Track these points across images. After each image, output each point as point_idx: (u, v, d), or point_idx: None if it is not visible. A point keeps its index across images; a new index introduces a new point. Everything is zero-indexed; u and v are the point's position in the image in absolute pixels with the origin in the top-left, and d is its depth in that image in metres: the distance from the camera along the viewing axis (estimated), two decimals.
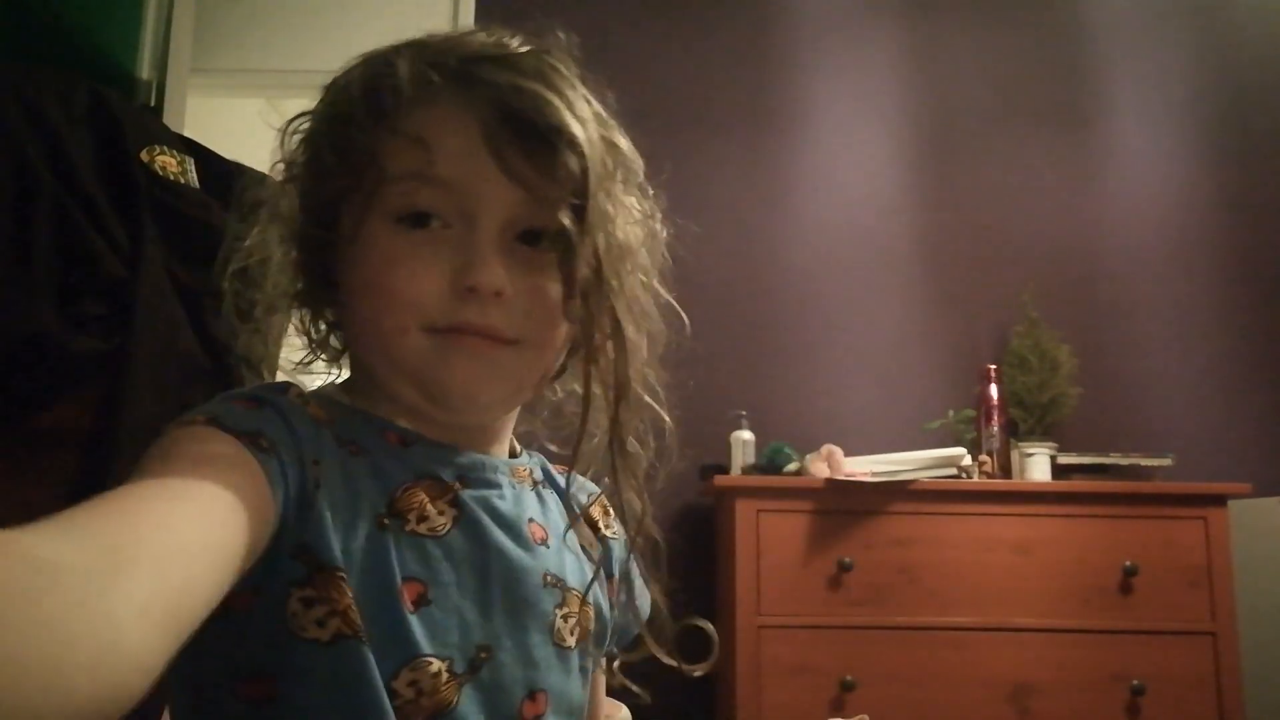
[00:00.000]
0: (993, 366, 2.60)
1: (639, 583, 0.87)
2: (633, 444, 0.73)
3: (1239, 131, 2.99)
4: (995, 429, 2.52)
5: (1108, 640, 2.26)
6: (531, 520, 0.73)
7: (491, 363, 0.67)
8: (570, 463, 0.72)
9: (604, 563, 0.82)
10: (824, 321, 2.88)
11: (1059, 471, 2.47)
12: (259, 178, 0.89)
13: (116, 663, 0.37)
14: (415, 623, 0.63)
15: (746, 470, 2.52)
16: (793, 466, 2.45)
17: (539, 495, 0.77)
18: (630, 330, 0.70)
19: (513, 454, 0.78)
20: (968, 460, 2.42)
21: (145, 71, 2.39)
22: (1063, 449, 2.52)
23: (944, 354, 2.85)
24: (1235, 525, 2.33)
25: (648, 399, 0.76)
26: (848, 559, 2.27)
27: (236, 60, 3.11)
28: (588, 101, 0.71)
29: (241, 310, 0.75)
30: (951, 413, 2.65)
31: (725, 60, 3.02)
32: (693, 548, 2.72)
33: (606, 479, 0.73)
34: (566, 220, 0.65)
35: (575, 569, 0.76)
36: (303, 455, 0.60)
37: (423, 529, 0.66)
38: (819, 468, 2.38)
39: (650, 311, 0.77)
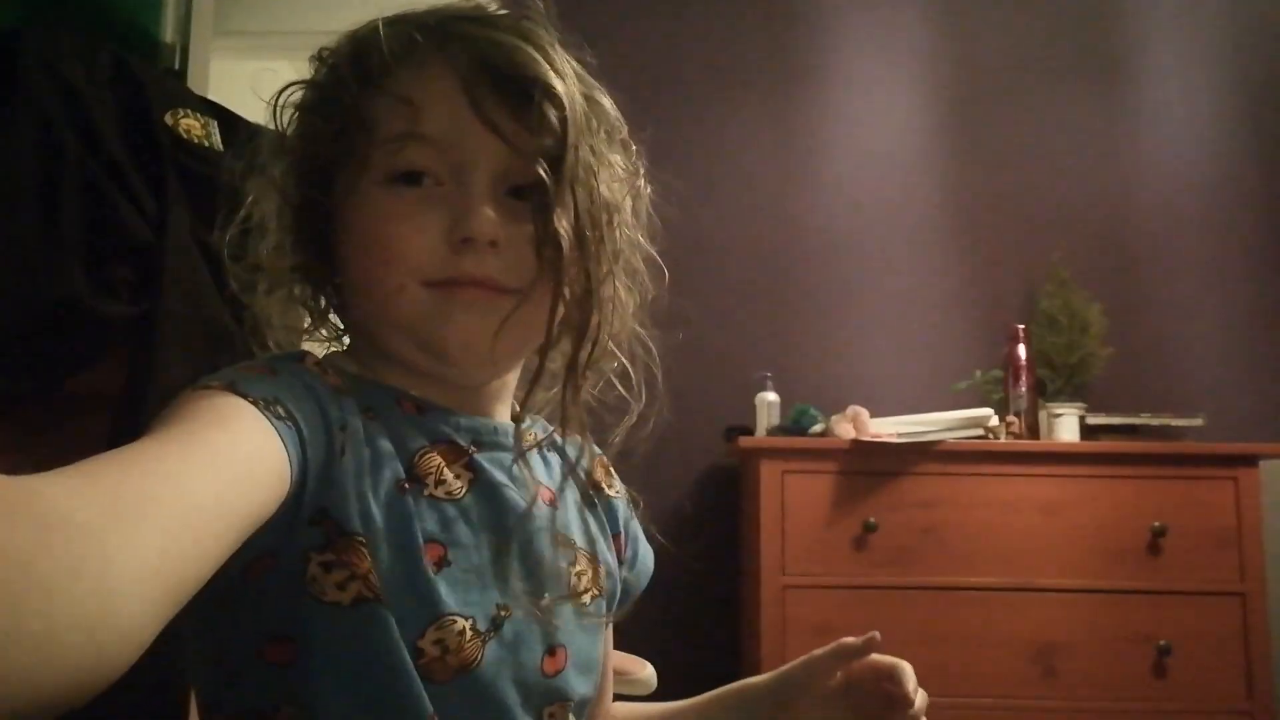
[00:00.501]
0: (1021, 326, 2.57)
1: (643, 541, 0.87)
2: (588, 394, 0.72)
3: (1275, 86, 2.93)
4: (1023, 389, 2.51)
5: (1135, 600, 2.26)
6: (539, 482, 0.74)
7: (490, 313, 0.67)
8: (523, 402, 0.73)
9: (610, 521, 0.83)
10: (850, 282, 2.86)
11: (1088, 432, 2.45)
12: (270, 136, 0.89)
13: (110, 632, 0.37)
14: (439, 582, 0.64)
15: (771, 431, 2.52)
16: (818, 428, 2.45)
17: (544, 458, 0.78)
18: (613, 286, 0.71)
19: (515, 418, 0.78)
20: (995, 421, 2.41)
21: (168, 35, 2.39)
22: (1092, 409, 2.50)
23: (971, 314, 2.83)
24: (1266, 486, 2.31)
25: (633, 353, 0.75)
26: (873, 520, 2.27)
27: (261, 22, 3.10)
28: (567, 61, 0.73)
29: (244, 283, 0.76)
30: (979, 373, 2.64)
31: (750, 19, 2.98)
32: (718, 509, 2.73)
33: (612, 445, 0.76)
34: (543, 171, 0.66)
35: (581, 528, 0.78)
36: (328, 422, 0.61)
37: (440, 492, 0.67)
38: (844, 429, 2.38)
39: (637, 267, 0.76)
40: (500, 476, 0.71)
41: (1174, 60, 2.95)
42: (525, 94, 0.67)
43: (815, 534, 2.28)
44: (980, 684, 2.23)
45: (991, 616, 2.25)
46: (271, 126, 0.75)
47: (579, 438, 0.74)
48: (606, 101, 0.76)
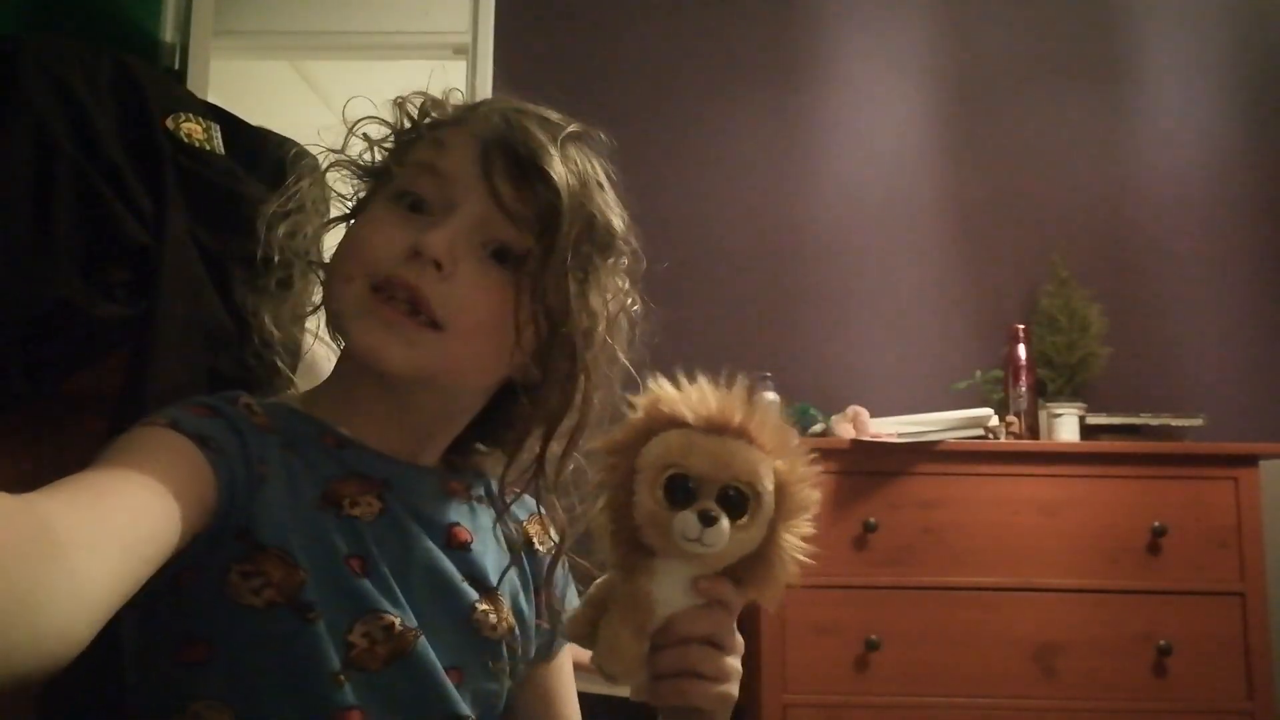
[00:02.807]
0: (1021, 326, 2.57)
1: (570, 595, 0.93)
2: (559, 471, 0.79)
3: (1275, 86, 2.93)
4: (1023, 389, 2.51)
5: (1135, 600, 2.26)
6: (457, 524, 0.81)
7: (403, 340, 0.73)
8: (504, 474, 0.82)
9: (532, 574, 0.89)
10: (850, 281, 2.86)
11: (1088, 432, 2.45)
12: (279, 141, 0.89)
13: (62, 642, 0.46)
14: (367, 585, 0.72)
15: None
16: (818, 428, 2.45)
17: (471, 507, 0.84)
18: (580, 373, 0.78)
19: (455, 469, 0.86)
20: (995, 421, 2.41)
21: (168, 34, 2.39)
22: (1092, 409, 2.50)
23: (971, 314, 2.83)
24: (1266, 486, 2.31)
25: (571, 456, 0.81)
26: (873, 520, 2.27)
27: (260, 22, 3.10)
28: (597, 182, 0.81)
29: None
30: (979, 373, 2.64)
31: (750, 20, 2.98)
32: None
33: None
34: (530, 241, 0.75)
35: (498, 576, 0.83)
36: (249, 456, 0.70)
37: (356, 512, 0.75)
38: (844, 429, 2.38)
39: (606, 377, 0.82)
40: (407, 512, 0.78)
41: (1174, 60, 2.95)
42: (528, 173, 0.76)
43: (815, 534, 2.28)
44: (980, 684, 2.23)
45: (992, 616, 2.25)
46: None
47: (526, 496, 0.83)
48: (618, 222, 0.82)
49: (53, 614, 0.45)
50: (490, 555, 0.83)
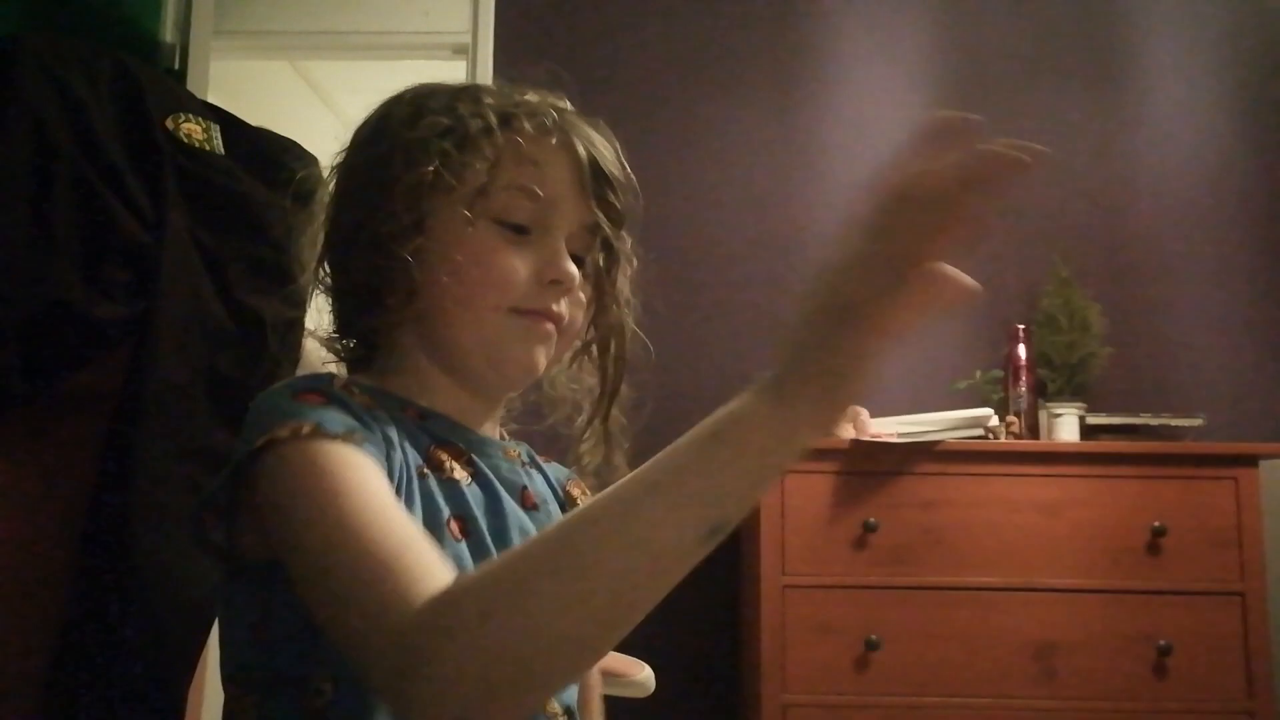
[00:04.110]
0: (1021, 326, 2.57)
1: None
2: (618, 425, 0.91)
3: (1274, 88, 2.93)
4: (1023, 389, 2.51)
5: (1135, 600, 2.25)
6: (526, 487, 0.88)
7: (550, 345, 0.84)
8: (582, 430, 0.92)
9: None
10: None
11: (1088, 432, 2.45)
12: (285, 145, 0.89)
13: None
14: (464, 549, 0.77)
15: None
16: None
17: (527, 472, 0.91)
18: (628, 346, 0.90)
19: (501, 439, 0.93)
20: (995, 421, 2.41)
21: (168, 34, 2.40)
22: (1092, 409, 2.50)
23: (972, 314, 2.83)
24: (1266, 485, 2.31)
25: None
26: (873, 519, 2.27)
27: (260, 22, 3.10)
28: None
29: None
30: (979, 373, 2.64)
31: (751, 20, 2.98)
32: None
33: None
34: (620, 245, 0.87)
35: None
36: (375, 435, 0.74)
37: (456, 475, 0.81)
38: (844, 429, 2.37)
39: (632, 333, 0.93)
40: (493, 477, 0.84)
41: (1174, 60, 2.95)
42: (612, 187, 0.86)
43: (815, 534, 2.28)
44: (980, 684, 2.23)
45: (992, 616, 2.25)
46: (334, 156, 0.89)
47: (558, 463, 0.94)
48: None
49: None
50: (552, 516, 0.89)
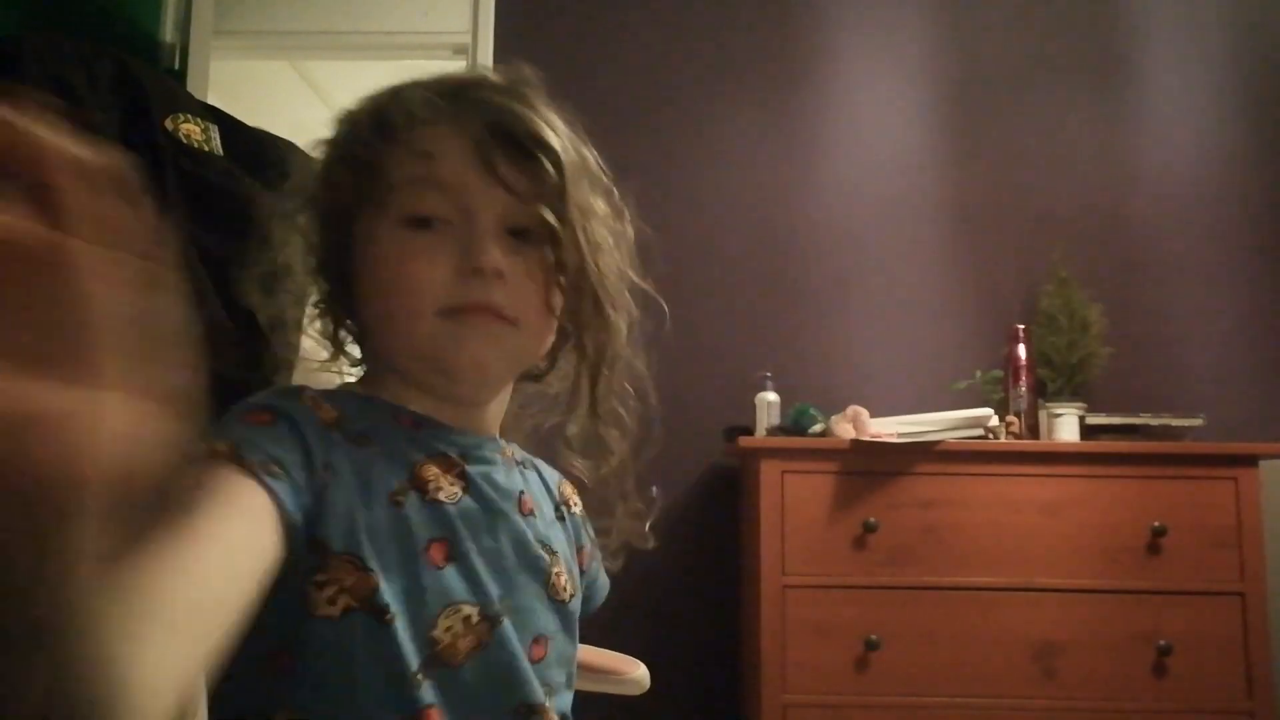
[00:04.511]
0: (1021, 326, 2.57)
1: (600, 562, 0.97)
2: (612, 409, 0.84)
3: (1275, 87, 2.93)
4: (1023, 389, 2.51)
5: (1135, 600, 2.26)
6: (522, 493, 0.84)
7: (497, 338, 0.77)
8: (565, 430, 0.86)
9: (575, 535, 0.92)
10: (850, 282, 2.86)
11: (1088, 432, 2.45)
12: (281, 144, 0.89)
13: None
14: (449, 574, 0.73)
15: (771, 431, 2.52)
16: (818, 428, 2.45)
17: (521, 472, 0.87)
18: (609, 312, 0.82)
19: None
20: (995, 421, 2.41)
21: (168, 34, 2.40)
22: (1092, 409, 2.50)
23: (971, 314, 2.83)
24: (1266, 485, 2.31)
25: (627, 378, 0.86)
26: (873, 519, 2.27)
27: (260, 22, 3.10)
28: (562, 121, 0.82)
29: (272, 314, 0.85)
30: (979, 373, 2.64)
31: (750, 19, 2.98)
32: (718, 509, 2.73)
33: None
34: (550, 216, 0.76)
35: (559, 538, 0.87)
36: (312, 464, 0.70)
37: (441, 496, 0.76)
38: (844, 429, 2.38)
39: (626, 300, 0.85)
40: (486, 486, 0.80)
41: (1174, 60, 2.95)
42: (527, 151, 0.77)
43: (815, 534, 2.28)
44: (980, 684, 2.23)
45: (992, 616, 2.25)
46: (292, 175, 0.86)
47: (551, 460, 0.87)
48: (590, 155, 0.85)
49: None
50: (548, 520, 0.86)
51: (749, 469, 2.46)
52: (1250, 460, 2.30)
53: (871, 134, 2.93)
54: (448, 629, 0.72)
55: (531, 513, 0.83)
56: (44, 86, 0.78)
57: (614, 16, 2.97)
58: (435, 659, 0.71)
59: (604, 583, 0.98)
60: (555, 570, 0.82)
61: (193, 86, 2.39)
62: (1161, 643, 2.22)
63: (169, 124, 0.87)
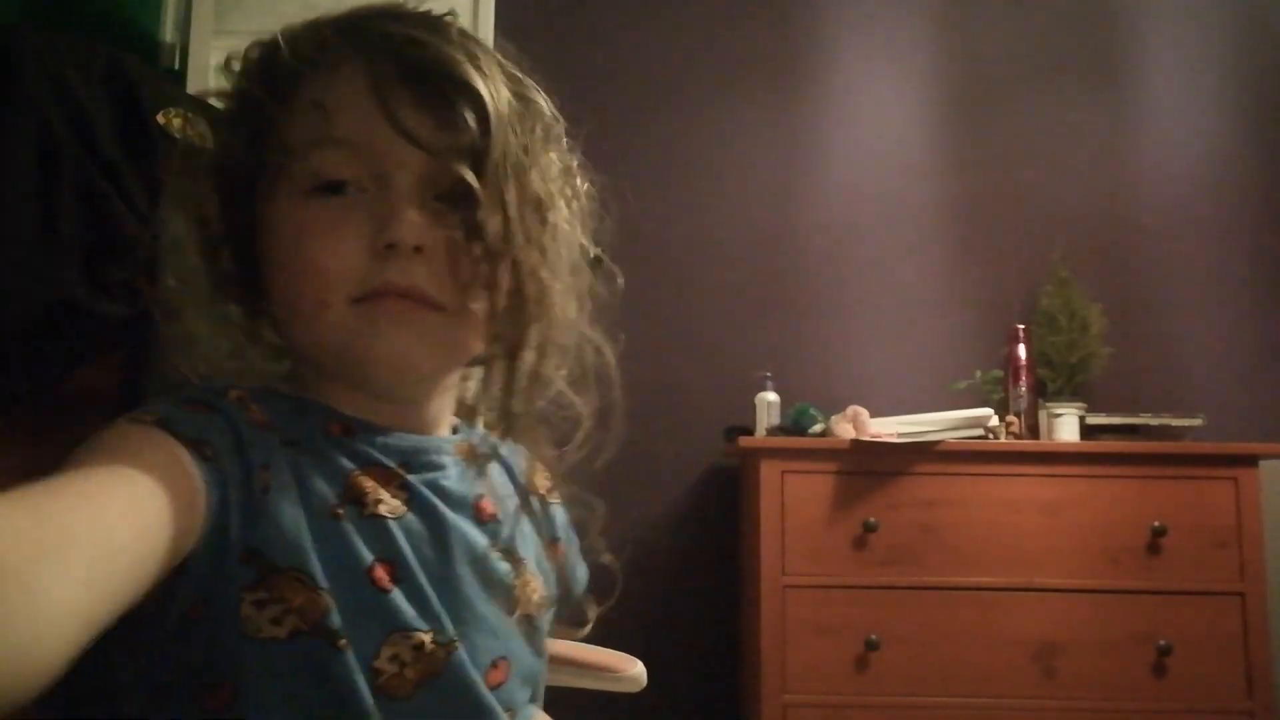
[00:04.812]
0: (1021, 326, 2.57)
1: (577, 554, 0.85)
2: (532, 407, 0.69)
3: (1275, 88, 2.93)
4: (1023, 389, 2.51)
5: (1135, 600, 2.25)
6: (482, 496, 0.72)
7: (420, 328, 0.65)
8: (475, 418, 0.74)
9: (548, 527, 0.81)
10: (850, 282, 2.86)
11: (1088, 432, 2.45)
12: None
13: (30, 665, 0.39)
14: (394, 598, 0.63)
15: (771, 431, 2.52)
16: (818, 428, 2.45)
17: (481, 472, 0.74)
18: (548, 285, 0.67)
19: (454, 430, 0.77)
20: (995, 421, 2.41)
21: (168, 34, 2.40)
22: (1092, 409, 2.50)
23: (972, 314, 2.83)
24: (1266, 485, 2.31)
25: (580, 356, 0.72)
26: (873, 519, 2.27)
27: (260, 22, 3.09)
28: (494, 57, 0.68)
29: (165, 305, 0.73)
30: (979, 373, 2.63)
31: (750, 19, 2.98)
32: (718, 509, 2.73)
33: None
34: (468, 174, 0.62)
35: (526, 540, 0.76)
36: (249, 463, 0.59)
37: (383, 510, 0.65)
38: (844, 429, 2.37)
39: (579, 266, 0.73)
40: (433, 497, 0.68)
41: (1174, 60, 2.95)
42: (443, 93, 0.63)
43: (815, 534, 2.28)
44: (980, 684, 2.23)
45: (992, 616, 2.25)
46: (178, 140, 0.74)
47: (522, 444, 0.73)
48: (541, 99, 0.71)
49: (8, 635, 0.38)
50: (514, 520, 0.75)
51: (749, 469, 2.46)
52: (1250, 460, 2.30)
53: (871, 134, 2.93)
54: (392, 657, 0.62)
55: (493, 518, 0.72)
56: (38, 80, 0.78)
57: (614, 16, 2.97)
58: (381, 690, 0.61)
59: (582, 575, 0.86)
60: (521, 581, 0.73)
61: (193, 86, 2.39)
62: (1161, 643, 2.22)
63: (161, 119, 0.87)
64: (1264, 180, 2.88)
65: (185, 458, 0.55)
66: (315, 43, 0.66)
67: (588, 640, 0.88)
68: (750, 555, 2.42)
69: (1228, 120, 2.92)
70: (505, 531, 0.73)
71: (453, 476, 0.71)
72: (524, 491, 0.78)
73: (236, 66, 0.70)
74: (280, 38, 0.68)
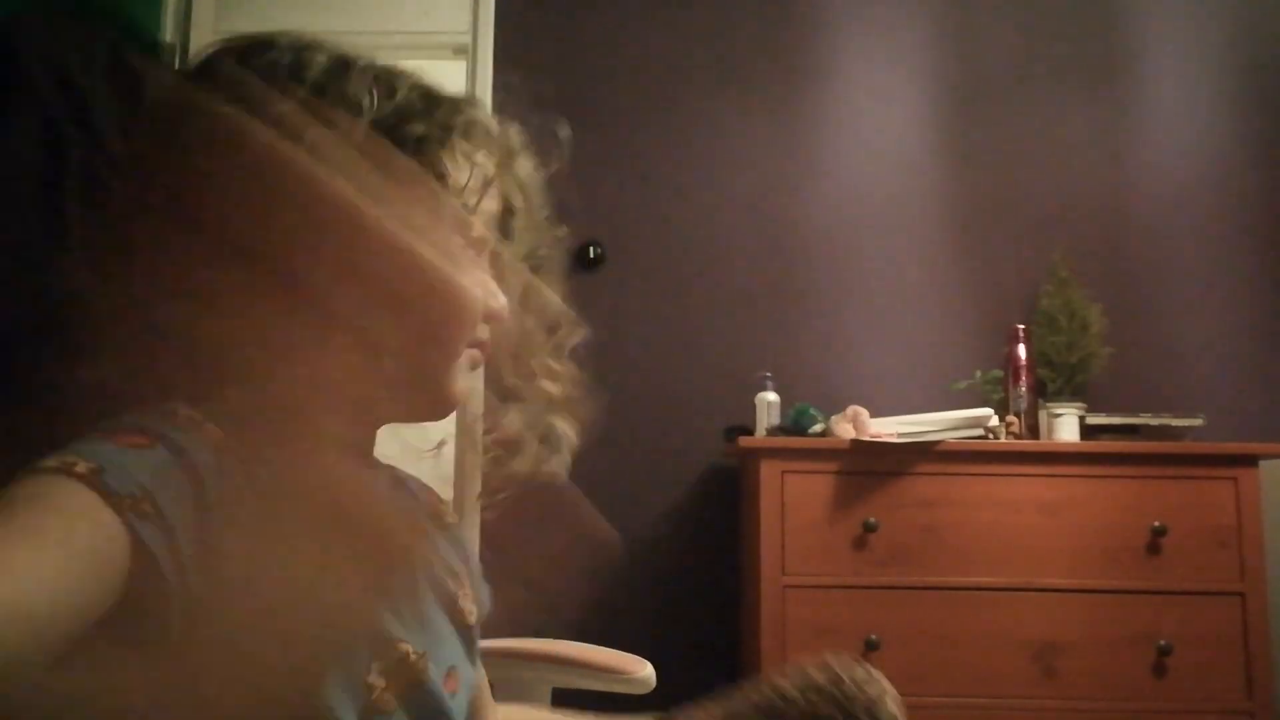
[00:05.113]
0: (1021, 326, 2.57)
1: (478, 568, 0.89)
2: None
3: (1274, 87, 2.93)
4: (1023, 389, 2.51)
5: (1135, 600, 2.25)
6: (418, 519, 0.77)
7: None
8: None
9: (458, 548, 0.85)
10: (850, 282, 2.86)
11: (1088, 432, 2.45)
12: None
13: None
14: (382, 613, 0.65)
15: (771, 431, 2.51)
16: (818, 428, 2.45)
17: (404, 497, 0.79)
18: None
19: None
20: (995, 421, 2.41)
21: (168, 34, 2.40)
22: (1092, 409, 2.50)
23: (972, 314, 2.83)
24: (1266, 485, 2.31)
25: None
26: (873, 520, 2.27)
27: (261, 22, 3.10)
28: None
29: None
30: (979, 373, 2.63)
31: (750, 19, 2.98)
32: (718, 509, 2.73)
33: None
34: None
35: (452, 555, 0.81)
36: (205, 499, 0.55)
37: None
38: (844, 429, 2.37)
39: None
40: None
41: (1174, 60, 2.95)
42: None
43: (815, 534, 2.28)
44: (980, 684, 2.23)
45: (992, 616, 2.25)
46: None
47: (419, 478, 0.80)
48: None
49: None
50: (438, 541, 0.80)
51: (749, 469, 2.45)
52: (1250, 460, 2.30)
53: (871, 134, 2.93)
54: (381, 672, 0.63)
55: (425, 534, 0.76)
56: (39, 68, 0.78)
57: (614, 17, 2.97)
58: (373, 708, 0.61)
59: (486, 596, 0.87)
60: (460, 592, 0.77)
61: None
62: (1161, 643, 2.22)
63: None
64: (1264, 180, 2.88)
65: (115, 525, 0.50)
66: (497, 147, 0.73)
67: (590, 639, 0.90)
68: (750, 555, 2.42)
69: (1228, 120, 2.92)
70: (439, 552, 0.78)
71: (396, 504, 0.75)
72: (432, 515, 0.83)
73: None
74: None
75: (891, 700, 0.83)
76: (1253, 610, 2.24)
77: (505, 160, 0.73)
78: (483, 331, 0.71)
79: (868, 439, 2.31)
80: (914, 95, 2.95)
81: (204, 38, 2.43)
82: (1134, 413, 2.51)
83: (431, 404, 0.72)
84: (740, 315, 2.84)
